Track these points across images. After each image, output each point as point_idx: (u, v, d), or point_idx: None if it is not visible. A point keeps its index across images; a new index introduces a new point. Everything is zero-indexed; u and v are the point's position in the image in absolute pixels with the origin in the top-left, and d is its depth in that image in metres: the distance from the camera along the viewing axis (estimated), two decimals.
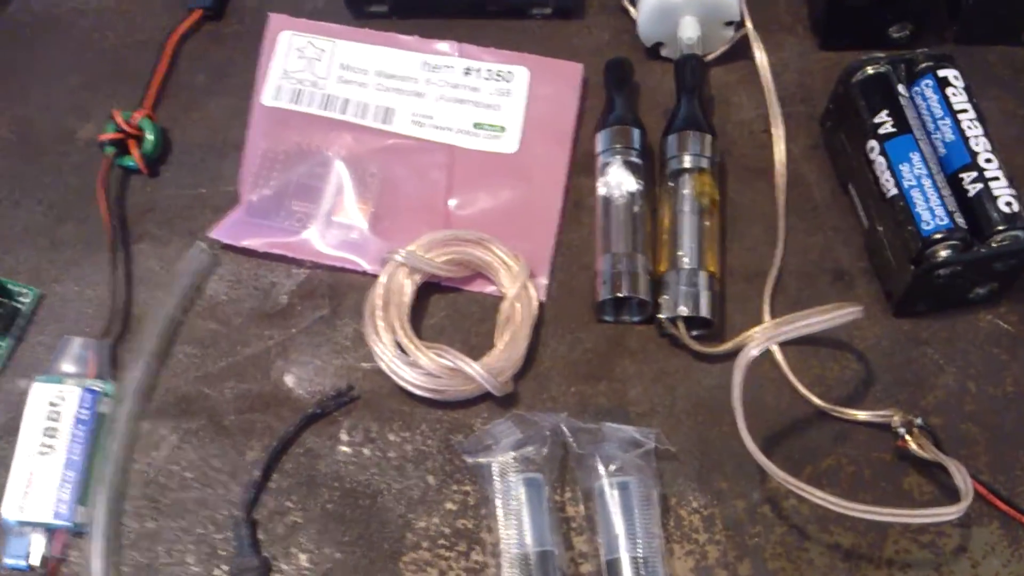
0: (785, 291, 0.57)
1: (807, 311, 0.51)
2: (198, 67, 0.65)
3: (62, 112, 0.64)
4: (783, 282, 0.57)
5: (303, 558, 0.51)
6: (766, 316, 0.56)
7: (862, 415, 0.53)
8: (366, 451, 0.53)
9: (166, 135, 0.63)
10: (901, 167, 0.53)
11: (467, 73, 0.63)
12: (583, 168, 0.61)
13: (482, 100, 0.62)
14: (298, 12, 0.66)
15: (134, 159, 0.61)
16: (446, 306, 0.58)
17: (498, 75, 0.63)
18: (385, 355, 0.54)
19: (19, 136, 0.64)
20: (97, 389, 0.53)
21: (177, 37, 0.65)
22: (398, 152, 0.61)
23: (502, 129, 0.62)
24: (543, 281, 0.58)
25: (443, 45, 0.64)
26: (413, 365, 0.54)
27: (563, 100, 0.63)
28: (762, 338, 0.48)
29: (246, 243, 0.58)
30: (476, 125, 0.62)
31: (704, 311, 0.54)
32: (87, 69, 0.66)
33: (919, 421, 0.51)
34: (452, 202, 0.60)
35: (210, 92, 0.64)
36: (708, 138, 0.57)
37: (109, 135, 0.61)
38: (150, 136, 0.61)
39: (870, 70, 0.56)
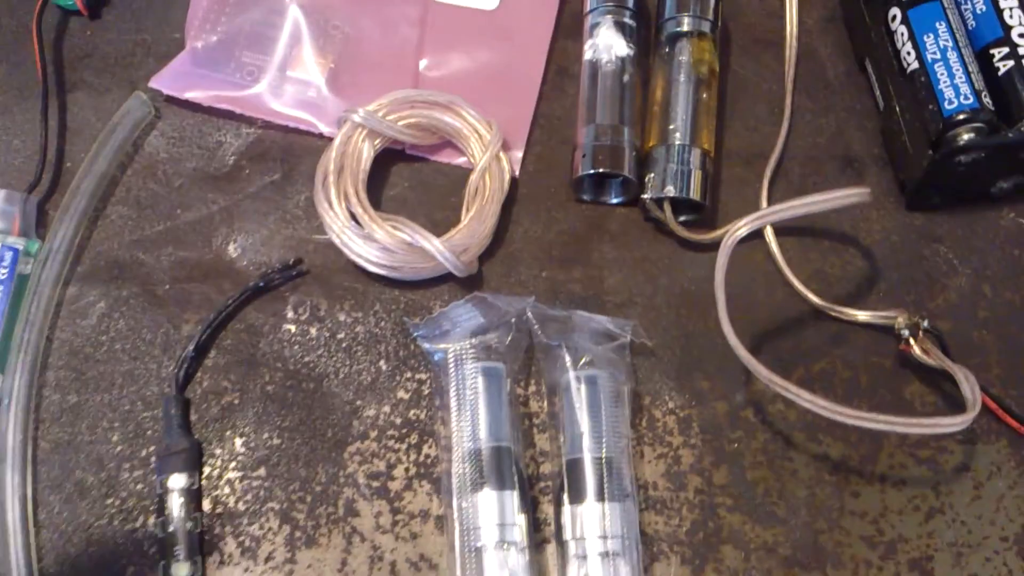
0: (787, 177, 0.52)
1: (808, 197, 0.45)
2: None
3: None
4: (786, 167, 0.52)
5: (238, 442, 0.46)
6: (763, 203, 0.50)
7: (862, 315, 0.47)
8: (313, 330, 0.48)
9: None
10: (925, 38, 0.47)
11: None
12: (570, 30, 0.55)
13: None
14: None
15: None
16: (410, 176, 0.52)
17: None
18: (336, 225, 0.49)
19: None
20: (18, 247, 0.48)
21: None
22: (365, 2, 0.55)
23: None
24: (518, 154, 0.52)
25: None
26: (367, 238, 0.48)
27: None
28: (753, 217, 0.42)
29: (190, 95, 0.53)
30: None
31: (694, 192, 0.48)
32: None
33: (925, 324, 0.46)
34: (423, 62, 0.54)
35: None
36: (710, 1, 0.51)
37: None
38: None
39: None
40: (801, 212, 0.44)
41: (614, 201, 0.51)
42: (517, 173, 0.52)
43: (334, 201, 0.49)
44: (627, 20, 0.52)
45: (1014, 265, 0.49)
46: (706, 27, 0.51)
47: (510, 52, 0.54)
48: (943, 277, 0.49)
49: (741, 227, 0.41)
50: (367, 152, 0.50)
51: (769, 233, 0.48)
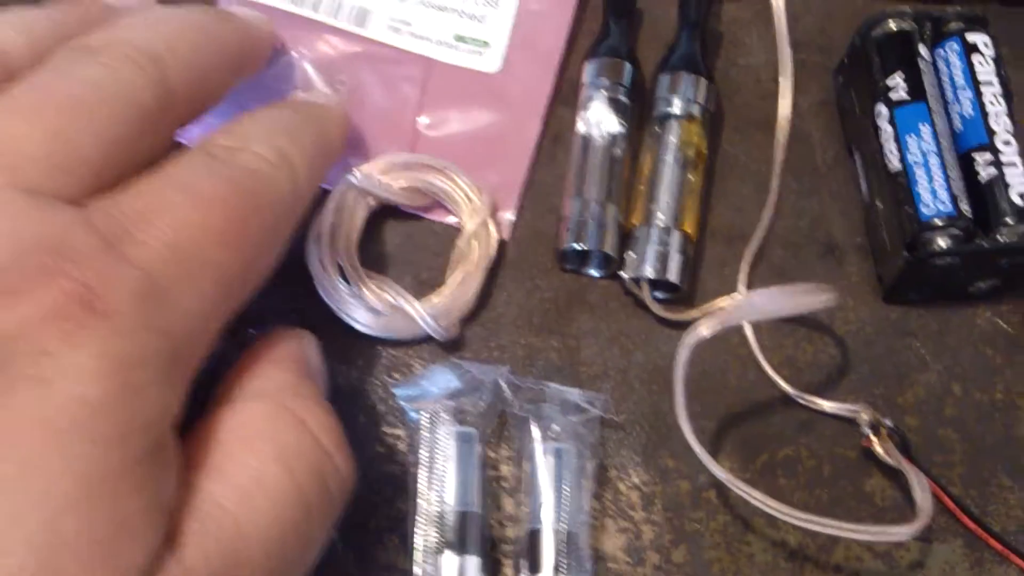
0: (768, 259, 0.53)
1: (778, 288, 0.46)
2: None
3: None
4: (767, 249, 0.53)
5: None
6: (741, 285, 0.51)
7: (829, 406, 0.48)
8: None
9: None
10: (908, 139, 0.48)
11: None
12: (567, 98, 0.56)
13: (467, 9, 0.57)
14: None
15: None
16: (400, 233, 0.53)
17: None
18: (325, 283, 0.50)
19: None
20: None
21: None
22: (370, 60, 0.57)
23: (485, 44, 0.57)
24: (509, 216, 0.54)
25: None
26: (355, 297, 0.50)
27: (555, 17, 0.58)
28: (720, 318, 0.44)
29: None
30: (457, 37, 0.57)
31: (672, 275, 0.49)
32: None
33: (888, 423, 0.47)
34: (422, 120, 0.55)
35: None
36: (703, 82, 0.53)
37: None
38: None
39: (892, 25, 0.51)
40: (767, 316, 0.45)
41: (595, 274, 0.51)
42: (507, 236, 0.53)
43: (326, 260, 0.50)
44: (621, 97, 0.53)
45: (986, 365, 0.50)
46: (696, 110, 0.52)
47: (508, 115, 0.55)
48: (914, 372, 0.50)
49: (703, 328, 0.42)
50: (361, 212, 0.52)
51: (738, 295, 0.50)
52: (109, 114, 0.33)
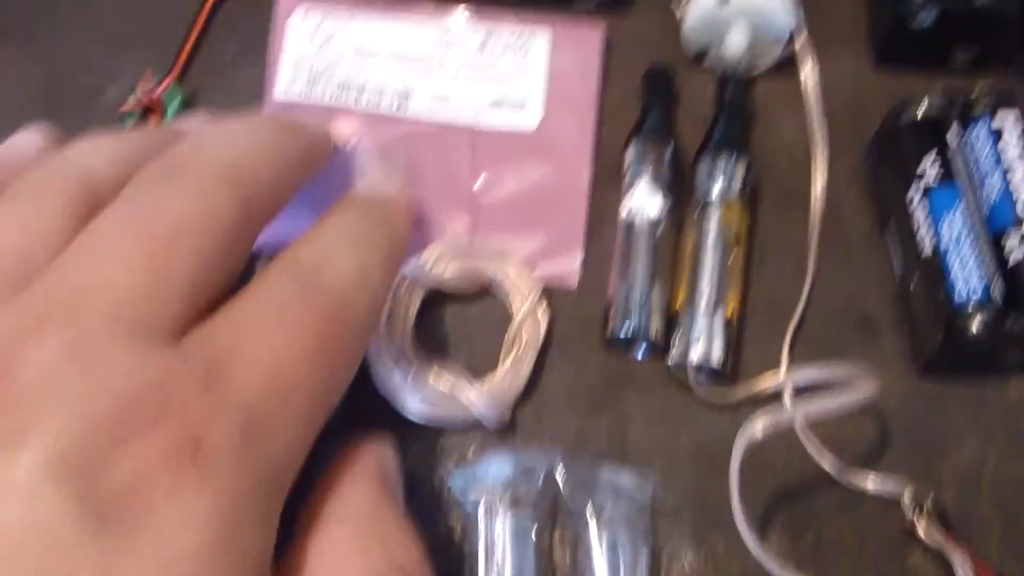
0: (807, 334, 0.54)
1: (820, 367, 0.48)
2: (230, 35, 0.63)
3: (91, 68, 0.62)
4: (806, 323, 0.55)
5: None
6: (784, 362, 0.53)
7: (872, 485, 0.50)
8: None
9: (190, 106, 0.60)
10: (941, 224, 0.50)
11: (483, 45, 0.60)
12: (610, 177, 0.58)
13: (500, 74, 0.60)
14: None
15: None
16: (451, 318, 0.56)
17: (515, 45, 0.60)
18: (383, 372, 0.52)
19: (45, 91, 0.62)
20: None
21: (212, 1, 0.62)
22: (418, 139, 0.59)
23: (522, 104, 0.59)
24: (577, 258, 0.57)
25: (456, 12, 0.61)
26: (410, 385, 0.52)
27: (585, 69, 0.60)
28: (772, 418, 0.46)
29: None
30: (495, 102, 0.59)
31: (715, 362, 0.51)
32: (120, 22, 0.64)
33: (929, 503, 0.49)
34: (477, 186, 0.58)
35: (239, 64, 0.62)
36: (742, 165, 0.54)
37: (131, 106, 0.59)
38: (175, 108, 0.59)
39: (922, 109, 0.53)
40: (815, 415, 0.46)
41: (642, 356, 0.53)
42: (574, 285, 0.56)
43: (382, 348, 0.52)
44: (664, 179, 0.55)
45: (1021, 436, 0.52)
46: (736, 191, 0.54)
47: (557, 168, 0.58)
48: (951, 445, 0.52)
49: (757, 429, 0.45)
50: (416, 299, 0.54)
51: (787, 397, 0.51)
52: (199, 241, 0.33)
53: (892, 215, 0.54)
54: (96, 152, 0.37)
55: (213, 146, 0.37)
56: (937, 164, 0.51)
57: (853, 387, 0.46)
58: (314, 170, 0.44)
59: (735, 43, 0.56)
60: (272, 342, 0.33)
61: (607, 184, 0.58)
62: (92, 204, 0.34)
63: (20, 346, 0.29)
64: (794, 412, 0.47)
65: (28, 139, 0.41)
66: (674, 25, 0.61)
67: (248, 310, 0.33)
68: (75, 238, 0.33)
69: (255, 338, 0.32)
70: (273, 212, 0.38)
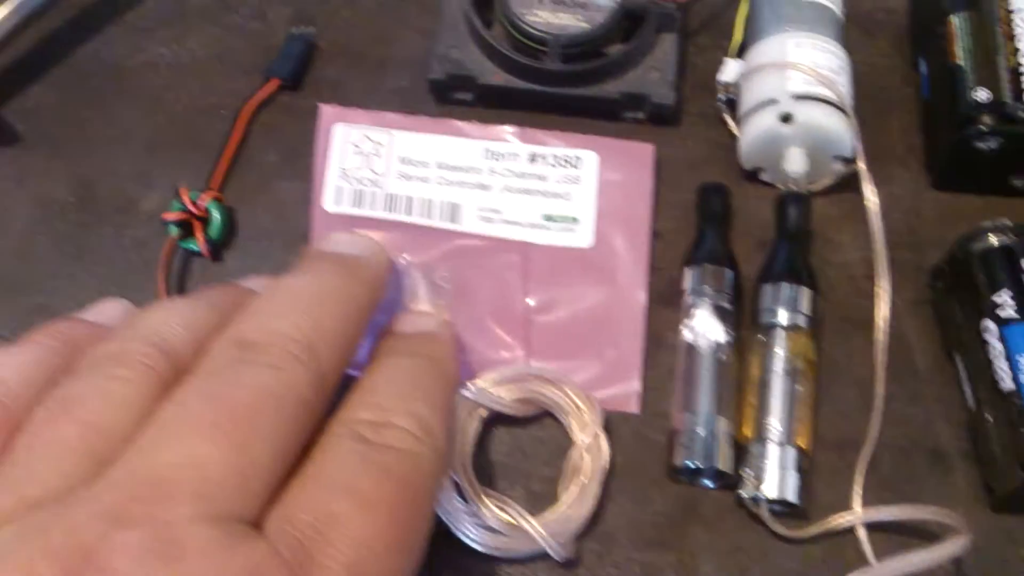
0: (878, 467, 0.53)
1: (898, 510, 0.48)
2: (270, 143, 0.61)
3: (126, 178, 0.61)
4: (876, 456, 0.53)
5: None
6: (856, 498, 0.52)
7: None
8: None
9: (232, 217, 0.59)
10: (1020, 359, 0.49)
11: (532, 160, 0.59)
12: (665, 297, 0.57)
13: (550, 189, 0.59)
14: (378, 90, 0.63)
15: (198, 243, 0.57)
16: (509, 441, 0.54)
17: (565, 161, 0.59)
18: (443, 499, 0.50)
19: (79, 200, 0.61)
20: None
21: (251, 109, 0.61)
22: (468, 253, 0.58)
23: (574, 220, 0.58)
24: (635, 386, 0.55)
25: (505, 130, 0.60)
26: (472, 515, 0.50)
27: (637, 185, 0.59)
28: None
29: None
30: (547, 217, 0.58)
31: (791, 496, 0.50)
32: (155, 132, 0.62)
33: None
34: (529, 303, 0.57)
35: (280, 173, 0.61)
36: (807, 292, 0.53)
37: (174, 215, 0.57)
38: (217, 219, 0.58)
39: (993, 240, 0.52)
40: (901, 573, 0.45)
41: (709, 486, 0.52)
42: (637, 409, 0.55)
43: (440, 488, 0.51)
44: (724, 304, 0.54)
45: None
46: (803, 320, 0.53)
47: (611, 289, 0.57)
48: None
49: None
50: (474, 425, 0.52)
51: (862, 534, 0.50)
52: (280, 418, 0.34)
53: (962, 344, 0.53)
54: (170, 320, 0.37)
55: (287, 313, 0.37)
56: (1013, 297, 0.50)
57: (941, 543, 0.45)
58: (377, 305, 0.43)
59: (796, 162, 0.56)
60: (351, 524, 0.32)
61: (663, 304, 0.57)
62: (170, 374, 0.35)
63: (106, 536, 0.29)
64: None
65: (108, 310, 0.41)
66: (724, 140, 0.61)
67: (322, 487, 0.33)
68: (155, 412, 0.33)
69: (333, 520, 0.32)
70: (345, 366, 0.38)
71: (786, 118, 0.54)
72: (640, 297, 0.57)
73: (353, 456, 0.35)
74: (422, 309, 0.54)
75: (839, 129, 0.55)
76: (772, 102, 0.55)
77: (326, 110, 0.60)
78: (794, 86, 0.55)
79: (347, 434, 0.36)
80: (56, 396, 0.34)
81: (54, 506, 0.30)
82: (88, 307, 0.42)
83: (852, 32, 0.60)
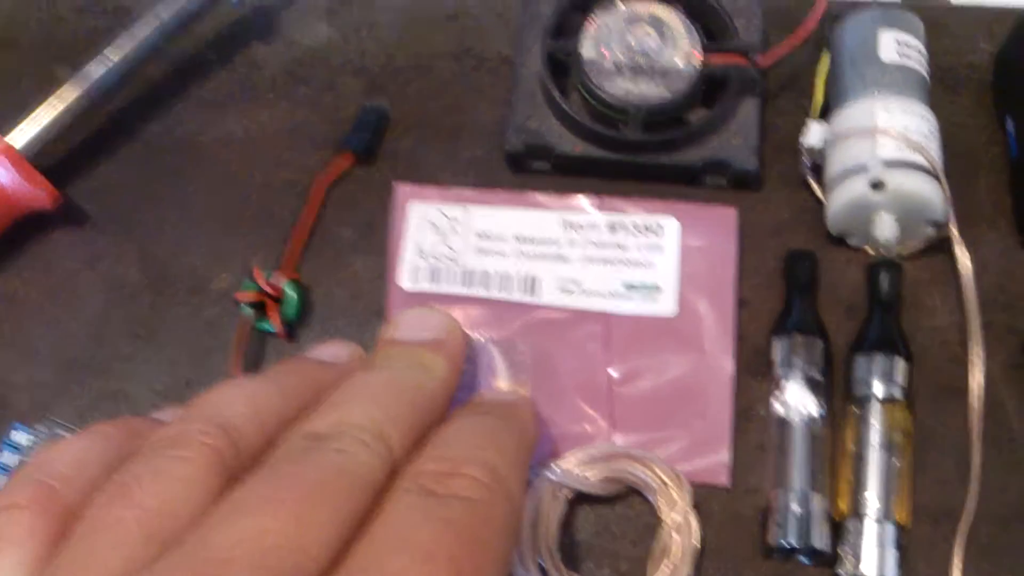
0: (977, 538, 0.51)
1: None
2: (344, 218, 0.61)
3: (198, 257, 0.60)
4: (974, 527, 0.51)
5: None
6: (956, 571, 0.50)
7: None
8: None
9: (307, 295, 0.58)
10: None
11: (612, 229, 0.58)
12: (750, 367, 0.55)
13: (631, 258, 0.57)
14: (453, 160, 0.62)
15: (273, 323, 0.56)
16: (594, 521, 0.53)
17: (645, 228, 0.57)
18: None
19: (150, 280, 0.60)
20: None
21: (325, 184, 0.60)
22: (548, 325, 0.57)
23: (657, 288, 0.57)
24: (725, 457, 0.54)
25: (582, 199, 0.59)
26: None
27: (720, 251, 0.58)
28: None
29: None
30: (628, 286, 0.57)
31: (891, 574, 0.48)
32: (227, 209, 0.62)
33: None
34: (612, 375, 0.55)
35: (356, 249, 0.60)
36: (903, 364, 0.52)
37: (249, 295, 0.57)
38: (293, 299, 0.57)
39: None
40: None
41: (803, 562, 0.50)
42: (727, 482, 0.53)
43: (527, 558, 0.50)
44: (816, 376, 0.52)
45: None
46: (898, 392, 0.51)
47: (697, 359, 0.55)
48: None
49: None
50: (559, 507, 0.51)
51: None
52: (343, 496, 0.33)
53: None
54: (233, 400, 0.36)
55: (359, 404, 0.37)
56: None
57: None
58: (455, 386, 0.42)
59: (887, 228, 0.54)
60: None
61: (749, 375, 0.56)
62: (231, 452, 0.34)
63: None
64: None
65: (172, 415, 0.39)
66: (807, 204, 0.59)
67: (383, 546, 0.32)
68: (222, 496, 0.32)
69: None
70: (416, 444, 0.37)
71: (877, 185, 0.53)
72: (727, 365, 0.55)
73: (415, 510, 0.33)
74: (501, 386, 0.54)
75: (931, 195, 0.53)
76: (862, 169, 0.53)
77: (401, 188, 0.59)
78: (885, 152, 0.53)
79: (411, 488, 0.34)
80: (114, 481, 0.33)
81: None
82: (156, 412, 0.41)
83: (934, 89, 0.59)
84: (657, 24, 0.58)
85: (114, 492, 0.33)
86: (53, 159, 0.62)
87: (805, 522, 0.49)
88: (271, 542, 0.30)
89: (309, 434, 0.35)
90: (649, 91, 0.57)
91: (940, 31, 0.62)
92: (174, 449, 0.34)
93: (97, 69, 0.59)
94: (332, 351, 0.44)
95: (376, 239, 0.60)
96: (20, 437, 0.54)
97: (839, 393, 0.54)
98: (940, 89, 0.61)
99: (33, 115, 0.59)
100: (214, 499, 0.32)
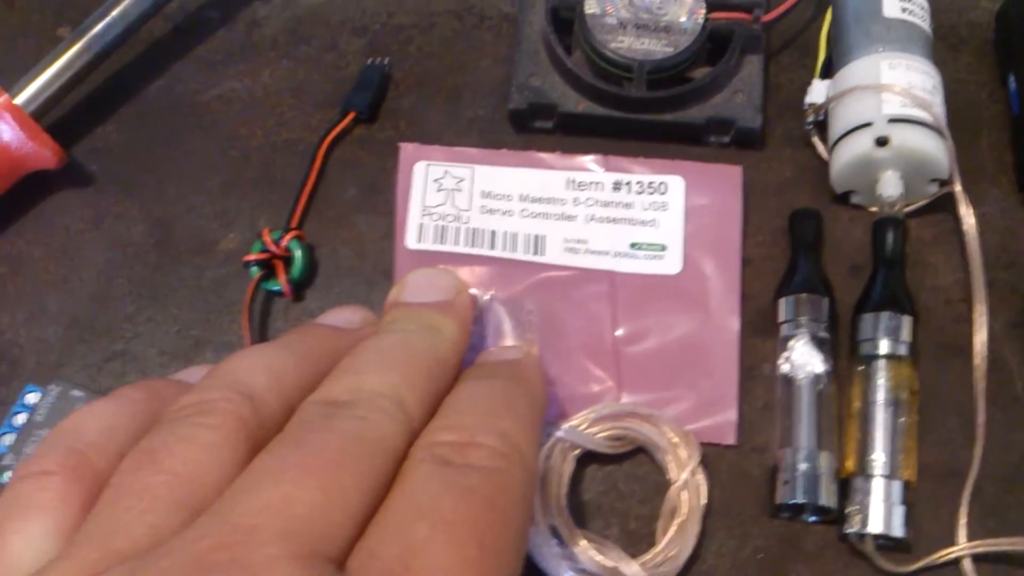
0: (981, 496, 0.52)
1: (1007, 542, 0.48)
2: (348, 178, 0.60)
3: (203, 218, 0.60)
4: (978, 485, 0.52)
5: None
6: (962, 529, 0.50)
7: None
8: None
9: (313, 255, 0.58)
10: None
11: (617, 188, 0.58)
12: (755, 327, 0.56)
13: (636, 217, 0.57)
14: (455, 119, 0.62)
15: (280, 283, 0.56)
16: (602, 480, 0.53)
17: (650, 187, 0.57)
18: (538, 540, 0.49)
19: (156, 241, 0.60)
20: None
21: (328, 143, 0.60)
22: (554, 284, 0.57)
23: (662, 247, 0.57)
24: (732, 416, 0.54)
25: (587, 159, 0.59)
26: (569, 559, 0.49)
27: (725, 209, 0.58)
28: None
29: None
30: (633, 245, 0.57)
31: (897, 531, 0.49)
32: (231, 169, 0.61)
33: None
34: (619, 334, 0.56)
35: (360, 208, 0.60)
36: (909, 321, 0.52)
37: (256, 255, 0.56)
38: (299, 258, 0.57)
39: None
40: None
41: (810, 520, 0.51)
42: (734, 440, 0.54)
43: (538, 517, 0.50)
44: (822, 334, 0.52)
45: None
46: (904, 349, 0.51)
47: (703, 317, 0.56)
48: None
49: None
50: (569, 466, 0.52)
51: (968, 566, 0.49)
52: (366, 462, 0.33)
53: None
54: (253, 367, 0.37)
55: (376, 370, 0.37)
56: None
57: None
58: (464, 347, 0.43)
59: (892, 186, 0.54)
60: (434, 551, 0.31)
61: (755, 334, 0.56)
62: (254, 420, 0.34)
63: None
64: None
65: (199, 374, 0.40)
66: (811, 162, 0.60)
67: (403, 513, 0.32)
68: (247, 464, 0.32)
69: (417, 549, 0.31)
70: (434, 412, 0.38)
71: (882, 141, 0.53)
72: (733, 324, 0.55)
73: (434, 480, 0.34)
74: (508, 344, 0.54)
75: (936, 151, 0.53)
76: (867, 125, 0.54)
77: (406, 148, 0.59)
78: (890, 108, 0.53)
79: (428, 458, 0.35)
80: (142, 447, 0.34)
81: (142, 557, 0.29)
82: (178, 372, 0.42)
83: (936, 47, 0.59)
84: None
85: (141, 459, 0.33)
86: (55, 118, 0.61)
87: (812, 480, 0.50)
88: (297, 510, 0.30)
89: (328, 401, 0.36)
90: (653, 48, 0.57)
91: None
92: (199, 416, 0.34)
93: (99, 24, 0.59)
94: (344, 316, 0.44)
95: (379, 198, 0.60)
96: (33, 398, 0.54)
97: (844, 352, 0.54)
98: (942, 47, 0.61)
99: (36, 73, 0.58)
100: (239, 466, 0.33)
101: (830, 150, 0.56)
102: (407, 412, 0.36)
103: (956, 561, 0.50)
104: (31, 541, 0.32)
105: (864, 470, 0.50)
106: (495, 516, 0.34)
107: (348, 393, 0.36)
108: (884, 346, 0.52)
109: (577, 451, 0.52)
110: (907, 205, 0.57)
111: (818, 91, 0.57)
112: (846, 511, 0.50)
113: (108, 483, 0.33)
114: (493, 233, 0.57)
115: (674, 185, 0.58)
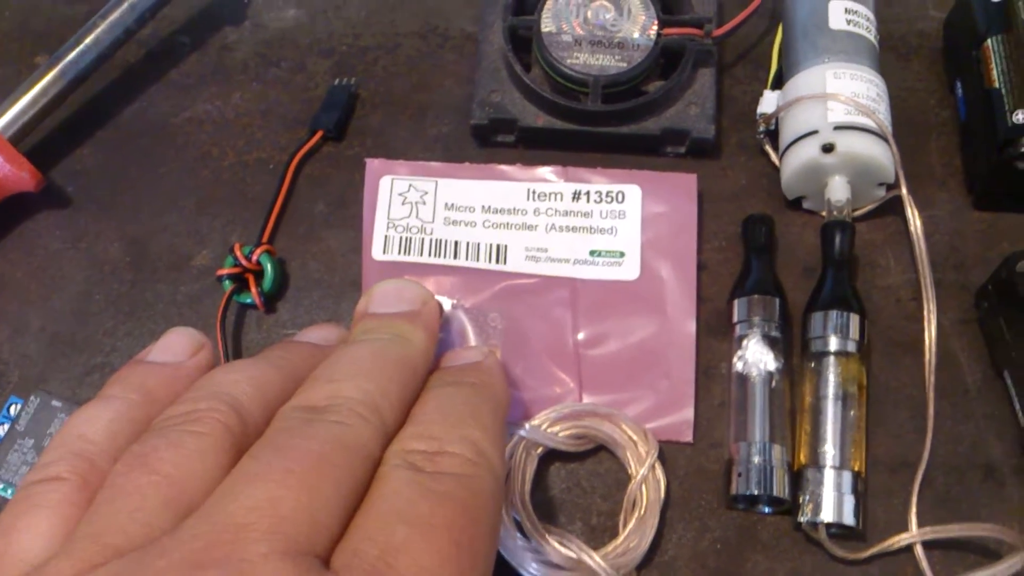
0: (932, 486, 0.54)
1: (956, 528, 0.49)
2: (317, 194, 0.62)
3: (177, 235, 0.62)
4: (930, 475, 0.54)
5: None
6: (913, 517, 0.52)
7: None
8: None
9: (283, 268, 0.60)
10: None
11: (576, 198, 0.60)
12: (711, 328, 0.58)
13: (595, 225, 0.60)
14: (420, 136, 0.64)
15: (252, 296, 0.58)
16: (565, 477, 0.55)
17: (608, 196, 0.59)
18: (503, 536, 0.51)
19: (132, 259, 0.62)
20: None
21: (297, 161, 0.62)
22: (517, 292, 0.59)
23: (621, 255, 0.59)
24: (689, 415, 0.56)
25: (547, 170, 0.61)
26: (533, 552, 0.51)
27: (681, 217, 0.60)
28: None
29: None
30: (593, 252, 0.59)
31: (848, 519, 0.50)
32: (203, 188, 0.63)
33: None
34: (580, 338, 0.58)
35: (329, 224, 0.62)
36: (856, 319, 0.54)
37: (228, 269, 0.58)
38: (270, 272, 0.59)
39: None
40: None
41: (765, 511, 0.53)
42: (690, 438, 0.55)
43: (503, 511, 0.51)
44: (774, 333, 0.54)
45: None
46: (852, 347, 0.53)
47: (661, 320, 0.58)
48: None
49: None
50: (532, 464, 0.53)
51: (920, 553, 0.50)
52: (347, 465, 0.35)
53: (1011, 361, 0.53)
54: (239, 380, 0.39)
55: (351, 378, 0.39)
56: None
57: (1002, 561, 0.46)
58: (432, 355, 0.45)
59: (839, 191, 0.56)
60: (413, 552, 0.33)
61: (711, 335, 0.58)
62: (240, 429, 0.37)
63: None
64: None
65: (174, 345, 0.43)
66: (764, 170, 0.62)
67: (383, 519, 0.34)
68: (230, 471, 0.35)
69: (396, 549, 0.33)
70: (405, 417, 0.40)
71: (828, 148, 0.55)
72: (690, 327, 0.57)
73: (410, 485, 0.36)
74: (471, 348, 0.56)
75: (881, 156, 0.55)
76: (814, 133, 0.56)
77: (372, 163, 0.61)
78: (835, 116, 0.55)
79: (403, 464, 0.37)
80: (134, 451, 0.36)
81: (136, 554, 0.31)
82: (152, 344, 0.44)
83: (886, 57, 0.61)
84: None
85: (134, 462, 0.35)
86: (33, 143, 0.63)
87: (766, 472, 0.52)
88: (284, 510, 0.32)
89: (307, 407, 0.38)
90: (608, 63, 0.59)
91: (891, 0, 0.64)
92: (189, 424, 0.37)
93: (73, 51, 0.61)
94: (321, 334, 0.47)
95: (348, 213, 0.62)
96: (15, 409, 0.56)
97: (797, 350, 0.56)
98: (892, 56, 0.64)
99: (14, 100, 0.60)
100: (225, 470, 0.35)
101: (780, 157, 0.58)
102: (382, 418, 0.38)
103: (908, 548, 0.52)
104: (39, 538, 0.34)
105: (816, 462, 0.52)
106: (468, 519, 0.36)
107: (326, 399, 0.38)
108: (833, 343, 0.53)
109: (540, 449, 0.54)
110: (856, 209, 0.59)
111: (769, 102, 0.60)
112: (799, 501, 0.51)
113: (103, 484, 0.35)
114: (456, 243, 0.59)
115: (631, 194, 0.60)
